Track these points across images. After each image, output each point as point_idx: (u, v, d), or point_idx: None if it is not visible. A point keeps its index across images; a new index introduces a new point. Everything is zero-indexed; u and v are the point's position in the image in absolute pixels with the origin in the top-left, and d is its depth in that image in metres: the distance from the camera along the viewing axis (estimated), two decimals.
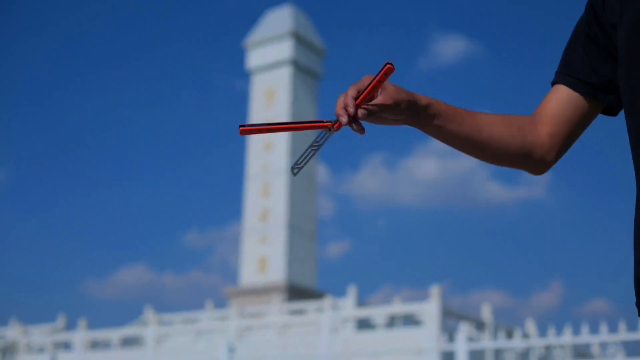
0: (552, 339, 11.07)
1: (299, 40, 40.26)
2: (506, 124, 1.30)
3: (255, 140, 39.06)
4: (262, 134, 1.15)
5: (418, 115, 1.23)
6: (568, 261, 65.32)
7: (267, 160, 38.63)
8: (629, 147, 1.19)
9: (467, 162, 63.75)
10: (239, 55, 42.35)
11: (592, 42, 1.28)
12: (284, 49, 39.80)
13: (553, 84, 1.34)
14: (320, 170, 43.68)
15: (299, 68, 40.20)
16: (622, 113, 1.28)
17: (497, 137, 1.28)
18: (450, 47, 73.60)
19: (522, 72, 72.12)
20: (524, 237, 66.99)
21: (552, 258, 65.51)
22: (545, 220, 65.72)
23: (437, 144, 65.11)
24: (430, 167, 63.51)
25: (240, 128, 1.11)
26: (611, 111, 1.31)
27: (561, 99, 1.32)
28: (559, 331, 11.96)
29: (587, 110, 1.30)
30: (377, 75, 1.14)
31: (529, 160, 1.32)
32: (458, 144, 1.28)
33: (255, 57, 40.80)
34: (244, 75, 41.59)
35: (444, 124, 1.25)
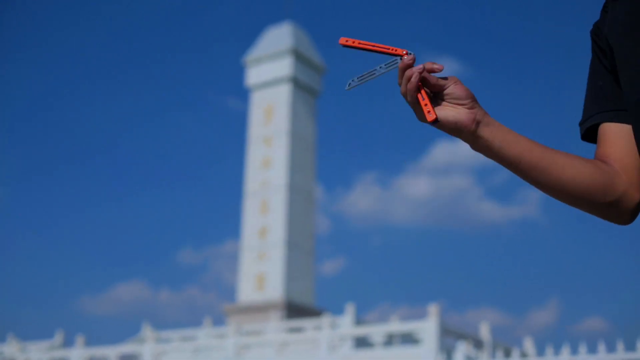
0: (550, 358, 11.07)
1: (299, 57, 40.42)
2: (583, 162, 1.21)
3: (254, 157, 39.13)
4: (355, 47, 1.24)
5: (486, 152, 1.21)
6: (564, 278, 65.22)
7: (266, 177, 38.66)
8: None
9: (459, 181, 63.76)
10: (238, 72, 42.56)
11: (606, 70, 1.24)
12: (284, 66, 39.95)
13: (590, 128, 1.27)
14: (316, 188, 43.67)
15: (299, 85, 40.34)
16: None
17: (579, 180, 1.20)
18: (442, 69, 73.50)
19: (514, 94, 72.21)
20: (520, 254, 66.92)
21: (548, 275, 65.45)
22: (540, 238, 65.62)
23: (428, 163, 65.20)
24: (423, 186, 63.44)
25: (340, 40, 1.23)
26: None
27: (608, 135, 1.23)
28: (557, 350, 11.94)
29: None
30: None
31: (613, 196, 1.21)
32: (537, 186, 1.24)
33: (254, 74, 40.94)
34: (242, 92, 41.79)
35: (523, 171, 1.21)
